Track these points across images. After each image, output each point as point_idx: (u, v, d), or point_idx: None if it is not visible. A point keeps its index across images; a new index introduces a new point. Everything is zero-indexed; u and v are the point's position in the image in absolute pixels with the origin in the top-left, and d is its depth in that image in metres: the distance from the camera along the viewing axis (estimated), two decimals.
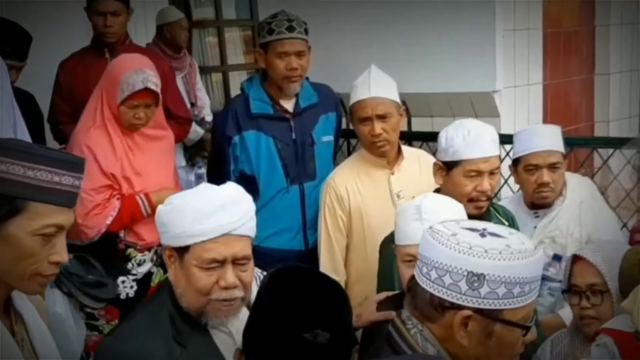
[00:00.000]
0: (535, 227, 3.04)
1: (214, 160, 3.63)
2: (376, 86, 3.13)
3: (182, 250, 1.90)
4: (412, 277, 1.62)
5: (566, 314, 2.83)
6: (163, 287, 2.02)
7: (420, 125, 4.05)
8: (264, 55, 3.40)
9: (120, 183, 3.15)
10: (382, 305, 2.34)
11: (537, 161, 2.98)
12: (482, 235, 1.52)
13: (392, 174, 3.18)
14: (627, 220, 3.78)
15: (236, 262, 1.90)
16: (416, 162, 3.26)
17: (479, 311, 1.50)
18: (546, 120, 4.26)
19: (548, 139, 3.02)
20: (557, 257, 2.92)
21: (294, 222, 3.43)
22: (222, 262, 1.88)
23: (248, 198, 1.96)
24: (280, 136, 3.41)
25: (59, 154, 1.60)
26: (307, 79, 3.52)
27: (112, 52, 3.79)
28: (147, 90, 3.09)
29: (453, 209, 2.25)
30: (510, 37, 3.98)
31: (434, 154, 3.75)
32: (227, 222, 1.87)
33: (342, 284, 3.19)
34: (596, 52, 4.67)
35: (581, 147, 4.09)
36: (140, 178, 3.19)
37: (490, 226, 1.57)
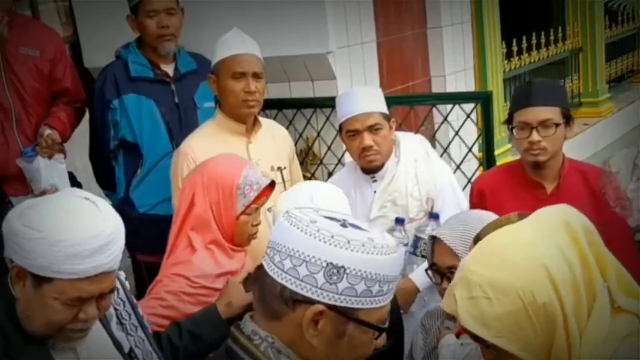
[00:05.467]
0: (375, 192, 2.97)
1: (94, 131, 3.49)
2: (250, 43, 3.08)
3: (41, 279, 1.64)
4: (259, 267, 1.43)
5: (418, 276, 2.77)
6: None
7: None
8: (136, 20, 3.38)
9: None
10: (248, 284, 2.17)
11: (355, 126, 2.91)
12: (343, 225, 1.38)
13: (250, 142, 3.07)
14: (472, 175, 3.75)
15: (101, 295, 1.70)
16: (269, 131, 3.18)
17: (333, 308, 1.34)
18: (382, 78, 4.18)
19: (363, 102, 2.95)
20: (399, 221, 2.86)
21: None
22: (87, 298, 1.67)
23: (123, 228, 1.73)
24: (163, 100, 3.37)
25: None
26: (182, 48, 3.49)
27: None
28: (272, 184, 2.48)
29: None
30: None
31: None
32: (104, 263, 1.65)
33: None
34: (426, 6, 4.65)
35: (419, 104, 4.04)
36: None
37: (349, 217, 1.43)
